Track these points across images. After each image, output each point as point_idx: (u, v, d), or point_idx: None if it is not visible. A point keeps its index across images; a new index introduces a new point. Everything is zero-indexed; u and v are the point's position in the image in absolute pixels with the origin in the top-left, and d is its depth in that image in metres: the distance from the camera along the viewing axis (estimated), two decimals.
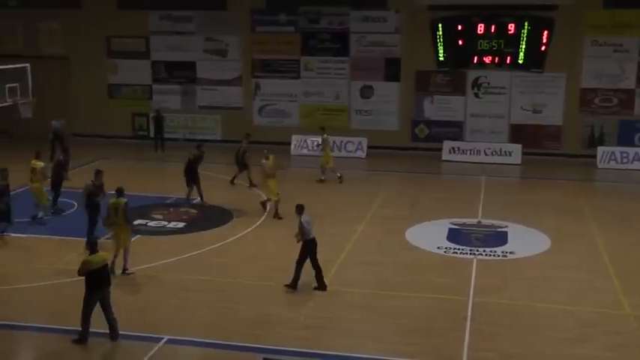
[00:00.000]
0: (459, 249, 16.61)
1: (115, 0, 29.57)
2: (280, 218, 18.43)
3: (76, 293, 11.89)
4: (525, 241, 17.28)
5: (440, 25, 27.03)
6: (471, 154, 27.21)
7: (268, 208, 19.20)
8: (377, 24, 27.91)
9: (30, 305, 13.40)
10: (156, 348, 11.52)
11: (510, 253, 16.42)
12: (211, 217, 18.94)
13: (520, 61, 26.76)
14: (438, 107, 27.99)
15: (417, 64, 27.68)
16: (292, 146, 27.99)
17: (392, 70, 28.11)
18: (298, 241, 13.88)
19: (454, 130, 27.92)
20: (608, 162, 26.21)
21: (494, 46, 26.79)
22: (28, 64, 23.18)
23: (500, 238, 17.45)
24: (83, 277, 11.55)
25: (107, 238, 16.08)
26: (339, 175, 22.94)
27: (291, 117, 29.08)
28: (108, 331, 11.69)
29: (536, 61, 26.67)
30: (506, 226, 18.36)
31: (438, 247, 16.69)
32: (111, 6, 29.53)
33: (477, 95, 27.69)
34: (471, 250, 16.53)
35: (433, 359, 11.41)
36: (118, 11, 29.54)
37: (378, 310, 13.15)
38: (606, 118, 26.84)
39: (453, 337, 12.03)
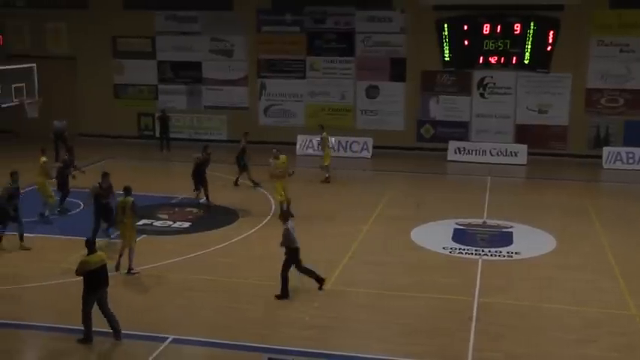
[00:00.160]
0: (464, 249, 16.60)
1: (121, 0, 29.66)
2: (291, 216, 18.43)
3: (81, 293, 11.90)
4: (531, 242, 17.26)
5: (445, 25, 27.01)
6: (476, 154, 27.18)
7: (273, 208, 19.22)
8: (382, 24, 27.90)
9: (36, 304, 13.46)
10: (161, 348, 11.53)
11: (516, 253, 16.40)
12: (217, 217, 18.97)
13: (526, 61, 26.72)
14: (443, 107, 27.97)
15: (422, 64, 27.67)
16: (298, 146, 28.01)
17: (397, 70, 28.10)
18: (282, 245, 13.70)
19: (460, 130, 27.90)
20: (614, 162, 26.16)
21: (499, 46, 26.75)
22: (34, 64, 23.29)
23: (506, 239, 17.43)
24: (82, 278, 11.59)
25: (113, 238, 16.16)
26: (327, 175, 22.85)
27: (297, 117, 29.10)
28: (112, 331, 11.72)
29: (542, 61, 26.62)
30: (511, 227, 18.34)
31: (444, 248, 16.67)
32: (117, 6, 29.61)
33: (482, 95, 27.65)
34: (476, 250, 16.51)
35: (438, 359, 11.42)
36: (124, 11, 29.61)
37: (383, 310, 13.14)
38: (612, 118, 26.77)
39: (459, 337, 12.02)
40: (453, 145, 27.47)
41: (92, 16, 29.74)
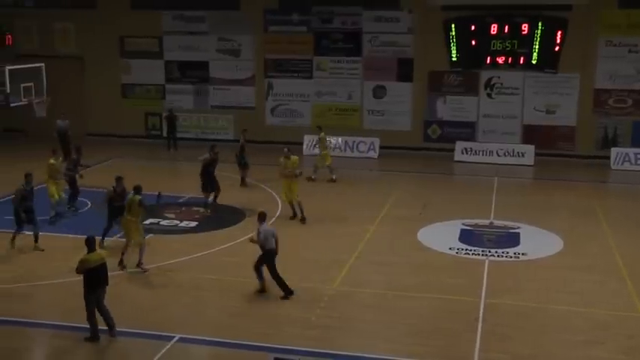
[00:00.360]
0: (471, 250, 16.56)
1: (128, 0, 29.73)
2: (297, 218, 18.46)
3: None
4: (538, 243, 17.20)
5: (453, 26, 26.95)
6: (483, 154, 27.10)
7: (280, 208, 19.22)
8: (390, 24, 27.86)
9: (44, 303, 13.52)
10: (167, 347, 11.57)
11: (523, 254, 16.35)
12: (223, 217, 18.98)
13: (533, 62, 26.63)
14: (450, 108, 27.91)
15: (429, 64, 27.62)
16: (304, 146, 28.00)
17: (404, 70, 28.05)
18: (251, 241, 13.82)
19: (467, 130, 27.84)
20: (622, 163, 26.03)
21: (507, 47, 26.67)
22: (42, 64, 23.38)
23: (513, 240, 17.38)
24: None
25: (119, 237, 16.19)
26: (313, 177, 22.69)
27: (304, 117, 29.10)
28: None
29: (549, 61, 26.53)
30: (518, 227, 18.29)
31: (450, 248, 16.64)
32: (124, 6, 29.67)
33: (489, 96, 27.58)
34: (483, 251, 16.47)
35: None
36: (132, 11, 29.67)
37: (390, 310, 13.14)
38: (620, 119, 26.65)
39: (465, 338, 12.00)
40: (459, 145, 27.41)
41: (100, 16, 29.82)
